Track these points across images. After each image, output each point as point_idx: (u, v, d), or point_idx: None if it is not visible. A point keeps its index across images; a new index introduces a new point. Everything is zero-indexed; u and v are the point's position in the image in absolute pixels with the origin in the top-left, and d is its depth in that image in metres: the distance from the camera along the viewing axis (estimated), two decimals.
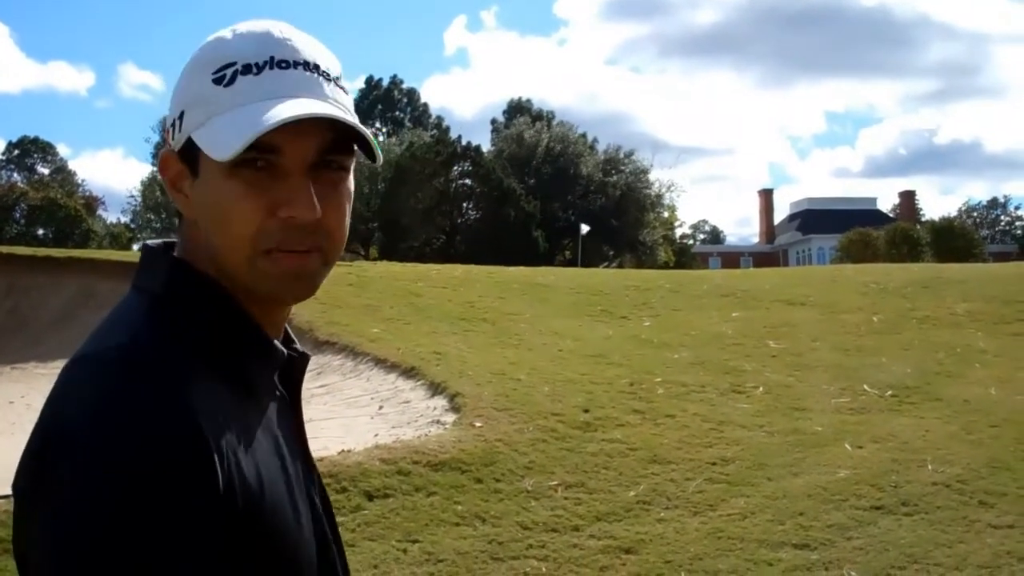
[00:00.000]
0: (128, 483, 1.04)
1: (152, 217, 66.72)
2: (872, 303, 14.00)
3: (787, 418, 8.26)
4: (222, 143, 1.16)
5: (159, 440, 1.07)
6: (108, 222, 64.30)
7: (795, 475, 6.85)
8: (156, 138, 66.73)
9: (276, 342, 1.29)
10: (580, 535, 5.80)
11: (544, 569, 5.32)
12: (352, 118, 1.22)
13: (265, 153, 1.17)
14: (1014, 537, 5.75)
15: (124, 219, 67.13)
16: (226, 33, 1.26)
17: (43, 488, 1.09)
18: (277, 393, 1.32)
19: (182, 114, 1.24)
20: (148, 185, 66.49)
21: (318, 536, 1.30)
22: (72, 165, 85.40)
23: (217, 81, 1.21)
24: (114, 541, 1.03)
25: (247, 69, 1.21)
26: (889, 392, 9.12)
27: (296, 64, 1.23)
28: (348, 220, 1.28)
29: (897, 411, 8.58)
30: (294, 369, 1.36)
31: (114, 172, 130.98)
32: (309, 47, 1.26)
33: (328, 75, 1.26)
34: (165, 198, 64.61)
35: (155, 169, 63.39)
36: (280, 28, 1.25)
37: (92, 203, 62.79)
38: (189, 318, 1.22)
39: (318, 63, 1.25)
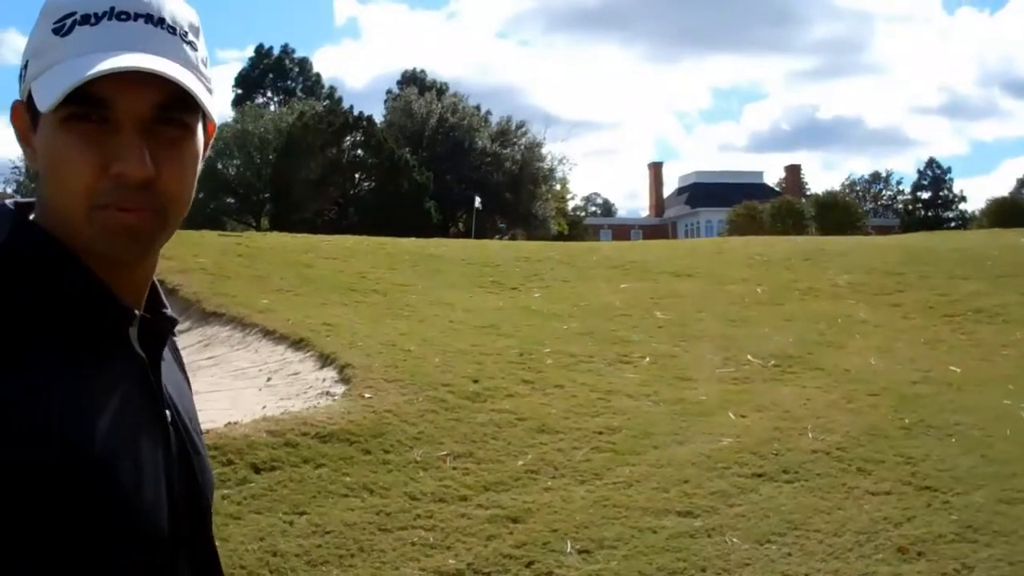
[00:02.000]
0: None
1: (36, 186, 65.02)
2: (756, 274, 14.28)
3: (672, 388, 8.38)
4: (46, 94, 1.13)
5: None
6: None
7: (680, 444, 6.96)
8: None
9: (123, 302, 1.24)
10: (468, 505, 5.81)
11: (431, 539, 5.33)
12: (189, 76, 1.18)
13: (94, 107, 1.14)
14: (890, 503, 5.92)
15: (8, 188, 65.07)
16: None
17: None
18: (136, 354, 1.27)
19: (27, 64, 1.22)
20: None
21: (171, 501, 1.25)
22: None
23: (56, 31, 1.18)
24: None
25: (85, 19, 1.17)
26: (772, 362, 9.32)
27: (138, 16, 1.18)
28: (192, 180, 1.24)
29: (779, 380, 8.77)
30: (159, 331, 1.32)
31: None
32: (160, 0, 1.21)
33: (174, 29, 1.21)
34: None
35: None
36: None
37: None
38: (20, 277, 1.18)
39: (163, 17, 1.21)
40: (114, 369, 1.23)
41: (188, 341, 10.02)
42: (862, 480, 6.29)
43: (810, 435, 7.08)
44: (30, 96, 1.20)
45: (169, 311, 1.35)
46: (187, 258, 13.25)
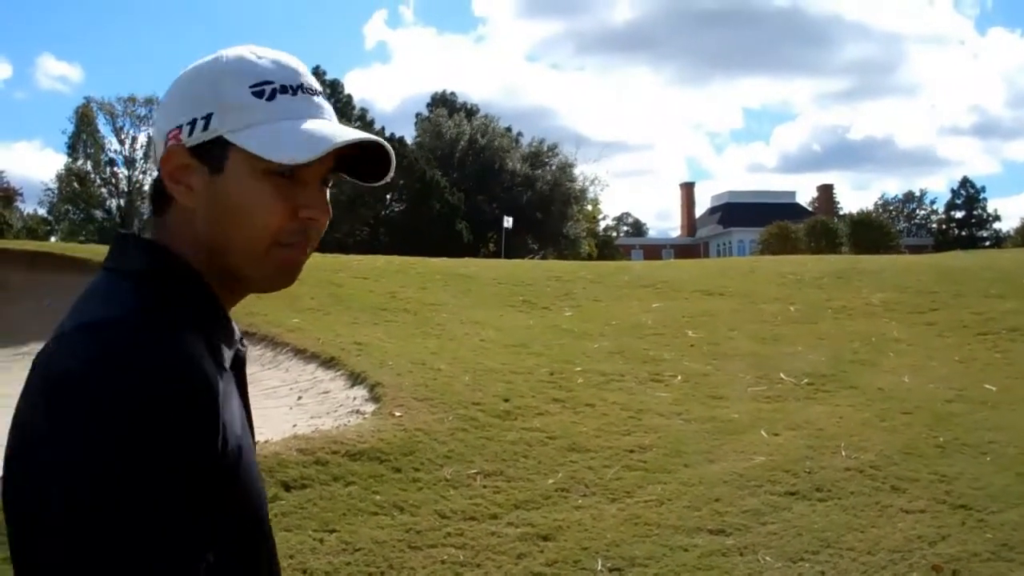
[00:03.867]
0: (138, 414, 1.14)
1: (69, 208, 65.34)
2: (789, 293, 14.20)
3: (704, 406, 8.34)
4: (287, 149, 1.33)
5: (165, 376, 1.19)
6: (25, 213, 62.90)
7: (711, 462, 6.92)
8: (72, 128, 65.28)
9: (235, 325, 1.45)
10: (498, 523, 5.79)
11: (462, 557, 5.31)
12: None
13: (299, 165, 1.34)
14: (925, 522, 5.86)
15: (41, 211, 65.74)
16: (248, 55, 1.41)
17: (56, 424, 1.16)
18: (231, 370, 1.41)
19: (209, 115, 1.36)
20: (64, 177, 65.15)
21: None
22: None
23: (257, 95, 1.37)
24: (123, 469, 1.13)
25: (284, 89, 1.38)
26: (805, 380, 9.26)
27: (316, 92, 1.43)
28: None
29: (812, 399, 8.71)
30: (239, 353, 1.48)
31: (32, 163, 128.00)
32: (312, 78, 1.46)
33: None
34: (83, 189, 63.62)
35: (70, 160, 61.96)
36: (288, 58, 1.44)
37: (10, 194, 61.35)
38: (173, 293, 1.33)
39: (320, 91, 1.46)
40: (230, 382, 1.38)
41: None
42: (896, 498, 6.23)
43: (843, 453, 7.02)
44: (207, 143, 1.36)
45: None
46: None
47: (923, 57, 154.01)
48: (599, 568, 5.21)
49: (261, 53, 1.42)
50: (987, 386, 9.10)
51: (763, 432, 7.55)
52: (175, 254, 1.37)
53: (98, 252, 16.01)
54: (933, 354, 10.61)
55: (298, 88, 1.39)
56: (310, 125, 1.36)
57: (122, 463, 1.12)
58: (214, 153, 1.35)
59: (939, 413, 8.15)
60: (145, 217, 65.25)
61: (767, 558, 5.34)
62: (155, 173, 1.41)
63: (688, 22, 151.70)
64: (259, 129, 1.34)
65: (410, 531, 5.58)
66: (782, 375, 9.39)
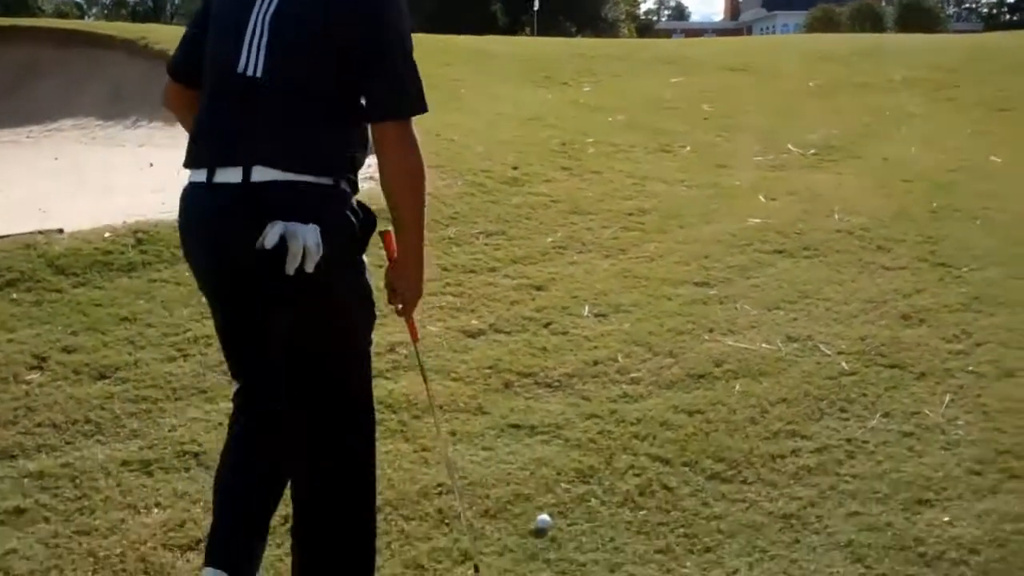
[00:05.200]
0: None
1: None
2: (811, 69, 14.12)
3: (708, 174, 8.56)
4: None
5: None
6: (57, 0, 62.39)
7: (707, 223, 7.19)
8: None
9: None
10: (495, 275, 6.14)
11: (458, 303, 5.68)
12: None
13: None
14: (903, 277, 6.14)
15: None
16: None
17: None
18: None
19: None
20: None
21: None
22: None
23: None
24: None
25: None
26: (811, 151, 9.42)
27: None
28: None
29: (816, 168, 8.90)
30: None
31: None
32: None
33: None
34: None
35: None
36: None
37: None
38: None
39: None
40: None
41: None
42: (880, 256, 6.50)
43: (836, 216, 7.26)
44: None
45: None
46: None
47: None
48: (585, 313, 5.56)
49: None
50: (993, 158, 9.22)
51: (761, 197, 7.78)
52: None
53: (125, 29, 16.11)
54: (946, 127, 10.66)
55: None
56: None
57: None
58: None
59: (939, 181, 8.31)
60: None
61: (745, 306, 5.67)
62: None
63: None
64: None
65: None
66: (790, 146, 9.54)
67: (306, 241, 2.52)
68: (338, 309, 2.76)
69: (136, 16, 54.00)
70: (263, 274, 2.57)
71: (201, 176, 2.66)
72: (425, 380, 3.30)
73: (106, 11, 61.08)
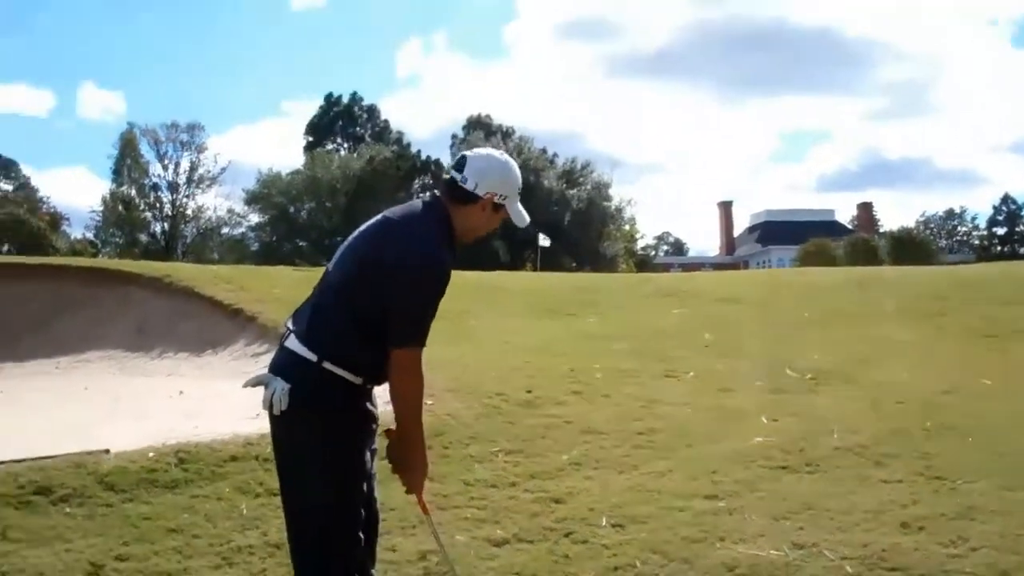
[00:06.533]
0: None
1: (115, 231, 66.61)
2: (806, 301, 14.81)
3: (713, 397, 9.02)
4: (520, 218, 3.86)
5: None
6: (72, 238, 64.24)
7: (713, 442, 7.60)
8: (116, 154, 66.56)
9: None
10: (516, 490, 6.51)
11: (483, 515, 6.03)
12: None
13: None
14: (900, 489, 6.50)
15: (88, 234, 67.06)
16: (517, 170, 3.90)
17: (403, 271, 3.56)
18: None
19: (506, 196, 3.80)
20: (109, 201, 66.36)
21: None
22: (35, 182, 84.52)
23: (517, 191, 3.89)
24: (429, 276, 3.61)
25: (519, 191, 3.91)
26: (808, 376, 9.91)
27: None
28: None
29: (815, 392, 9.37)
30: None
31: (76, 190, 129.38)
32: None
33: None
34: (127, 214, 64.94)
35: (115, 186, 62.83)
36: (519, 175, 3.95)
37: (56, 220, 62.78)
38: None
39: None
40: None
41: (267, 361, 10.82)
42: (878, 471, 6.87)
43: (835, 435, 7.67)
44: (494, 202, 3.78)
45: None
46: (264, 290, 14.20)
47: (959, 76, 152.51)
48: (603, 524, 5.90)
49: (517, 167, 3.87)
50: (984, 380, 9.70)
51: (763, 418, 8.22)
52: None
53: (150, 268, 16.89)
54: (936, 353, 11.21)
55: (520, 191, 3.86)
56: (521, 208, 3.82)
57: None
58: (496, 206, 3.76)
59: (932, 403, 8.76)
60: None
61: (753, 517, 6.01)
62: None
63: (721, 46, 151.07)
64: (514, 206, 3.81)
65: (437, 495, 6.30)
66: (788, 371, 10.04)
67: (275, 390, 3.56)
68: (292, 453, 3.71)
69: (148, 254, 55.65)
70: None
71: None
72: (439, 543, 4.47)
73: (119, 250, 62.82)
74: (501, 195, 3.73)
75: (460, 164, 3.75)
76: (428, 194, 3.96)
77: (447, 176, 3.81)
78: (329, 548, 3.64)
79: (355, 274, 3.64)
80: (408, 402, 3.68)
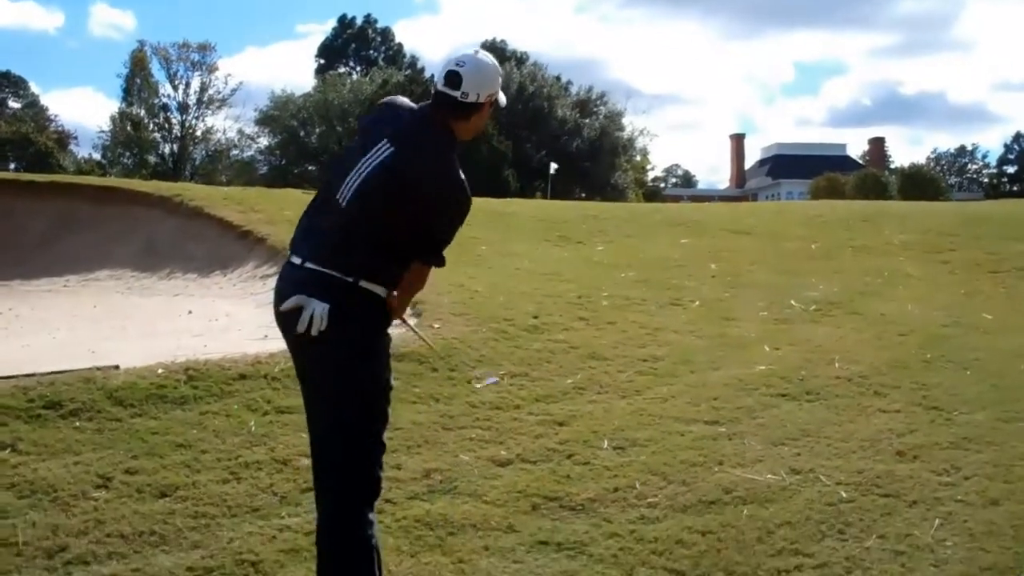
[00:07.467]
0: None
1: (123, 151, 66.25)
2: (813, 233, 14.86)
3: (716, 326, 9.12)
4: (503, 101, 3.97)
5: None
6: (79, 157, 64.04)
7: (715, 369, 7.71)
8: (126, 73, 66.13)
9: None
10: (520, 412, 6.63)
11: (487, 436, 6.15)
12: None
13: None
14: (897, 419, 6.61)
15: (96, 155, 66.75)
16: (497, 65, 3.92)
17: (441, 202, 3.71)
18: None
19: (494, 93, 3.84)
20: (119, 121, 65.97)
21: None
22: (43, 101, 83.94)
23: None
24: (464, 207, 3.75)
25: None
26: (813, 307, 10.00)
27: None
28: None
29: (818, 322, 9.46)
30: None
31: (85, 109, 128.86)
32: None
33: None
34: (136, 133, 64.66)
35: (124, 105, 62.59)
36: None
37: (64, 139, 62.60)
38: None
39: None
40: None
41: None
42: (876, 401, 6.99)
43: (836, 365, 7.78)
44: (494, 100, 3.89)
45: None
46: (274, 212, 14.27)
47: (978, 12, 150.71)
48: (605, 446, 6.03)
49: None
50: (985, 315, 9.79)
51: (766, 347, 8.32)
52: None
53: (161, 187, 16.95)
54: (940, 287, 11.29)
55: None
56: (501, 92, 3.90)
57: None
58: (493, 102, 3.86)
59: (933, 335, 8.87)
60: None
61: (752, 442, 6.13)
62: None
63: None
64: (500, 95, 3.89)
65: (444, 416, 6.45)
66: (792, 302, 10.13)
67: (314, 312, 3.57)
68: (332, 372, 3.71)
69: (157, 175, 55.46)
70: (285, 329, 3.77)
71: (295, 259, 3.75)
72: (416, 333, 5.39)
73: (127, 170, 62.56)
74: (495, 92, 3.87)
75: (455, 82, 3.74)
76: (418, 108, 3.94)
77: (446, 97, 3.75)
78: (363, 460, 3.75)
79: (379, 204, 3.67)
80: (416, 291, 4.06)
